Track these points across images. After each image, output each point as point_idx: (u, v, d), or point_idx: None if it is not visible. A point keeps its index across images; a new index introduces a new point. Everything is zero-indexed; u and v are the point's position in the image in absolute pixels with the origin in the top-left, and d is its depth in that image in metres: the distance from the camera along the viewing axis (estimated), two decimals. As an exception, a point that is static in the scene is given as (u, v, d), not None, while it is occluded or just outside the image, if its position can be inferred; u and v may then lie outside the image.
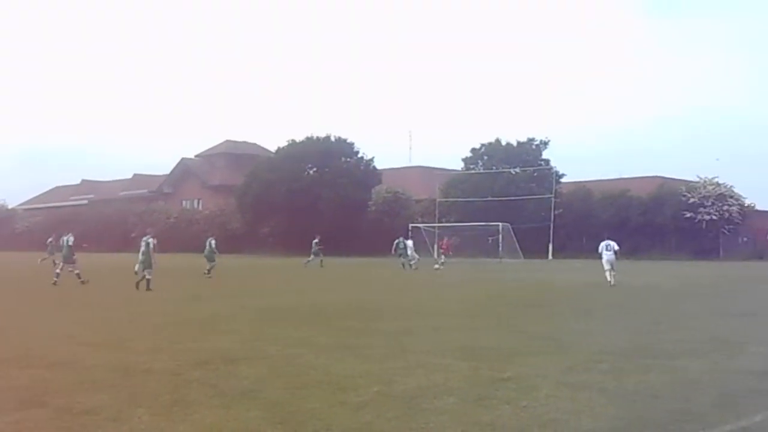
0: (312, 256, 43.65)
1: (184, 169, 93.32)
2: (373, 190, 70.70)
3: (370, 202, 70.09)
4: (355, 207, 67.89)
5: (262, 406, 7.46)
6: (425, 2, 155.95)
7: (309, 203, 66.13)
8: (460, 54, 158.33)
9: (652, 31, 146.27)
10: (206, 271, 31.68)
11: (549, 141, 68.78)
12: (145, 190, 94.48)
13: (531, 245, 58.17)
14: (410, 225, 60.67)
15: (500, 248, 54.53)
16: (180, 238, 75.32)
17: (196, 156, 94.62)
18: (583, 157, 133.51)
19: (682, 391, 8.25)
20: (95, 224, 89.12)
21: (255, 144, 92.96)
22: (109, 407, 7.42)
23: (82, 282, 25.77)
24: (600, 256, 28.11)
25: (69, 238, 27.96)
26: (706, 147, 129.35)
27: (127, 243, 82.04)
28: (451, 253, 46.46)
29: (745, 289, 26.71)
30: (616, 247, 27.95)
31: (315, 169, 71.75)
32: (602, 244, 28.31)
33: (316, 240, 44.71)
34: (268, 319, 15.71)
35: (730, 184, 62.74)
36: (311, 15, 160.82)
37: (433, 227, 61.68)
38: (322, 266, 41.37)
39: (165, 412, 7.23)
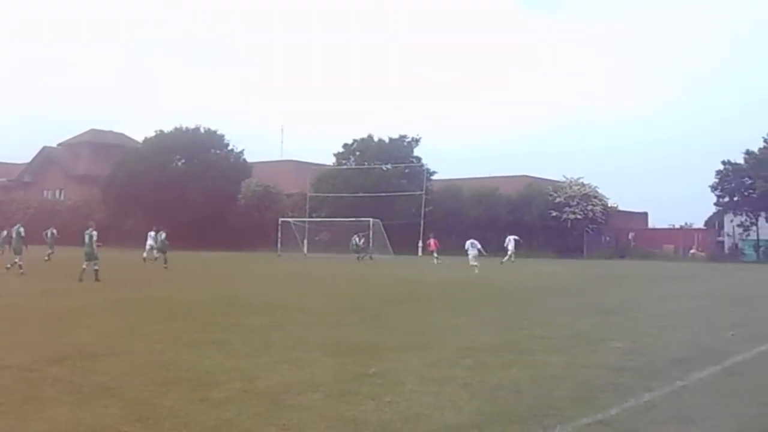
0: (363, 252, 49.81)
1: (46, 157, 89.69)
2: (242, 183, 69.76)
3: (239, 196, 69.13)
4: (223, 200, 66.89)
5: (119, 404, 7.23)
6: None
7: (177, 195, 64.88)
8: (334, 49, 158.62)
9: (524, 31, 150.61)
10: (164, 263, 33.32)
11: (420, 138, 69.61)
12: (4, 179, 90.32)
13: (401, 241, 58.66)
14: (280, 219, 60.34)
15: (370, 244, 54.85)
16: (40, 229, 72.26)
17: (59, 144, 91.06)
18: (453, 155, 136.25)
19: (543, 385, 8.45)
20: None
21: (122, 134, 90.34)
22: (-43, 406, 7.03)
23: (22, 273, 26.08)
24: (466, 252, 37.38)
25: (20, 229, 28.36)
26: (572, 148, 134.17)
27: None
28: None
29: (607, 286, 27.67)
30: (479, 246, 37.72)
31: (183, 160, 70.57)
32: (468, 243, 37.84)
33: (363, 239, 51.49)
34: (133, 313, 15.31)
35: (595, 184, 64.93)
36: (181, 5, 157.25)
37: (304, 222, 61.52)
38: (371, 259, 48.35)
39: (16, 410, 6.93)
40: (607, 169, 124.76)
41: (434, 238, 49.76)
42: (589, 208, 62.44)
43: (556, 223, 61.99)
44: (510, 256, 44.18)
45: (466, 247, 37.87)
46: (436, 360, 9.97)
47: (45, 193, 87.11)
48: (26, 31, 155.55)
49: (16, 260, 26.92)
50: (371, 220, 55.73)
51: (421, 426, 6.68)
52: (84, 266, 24.18)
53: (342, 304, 18.26)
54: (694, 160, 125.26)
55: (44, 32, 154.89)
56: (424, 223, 61.58)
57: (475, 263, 35.54)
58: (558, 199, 62.56)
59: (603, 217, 63.67)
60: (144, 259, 37.29)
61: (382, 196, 62.50)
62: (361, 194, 63.23)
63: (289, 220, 61.15)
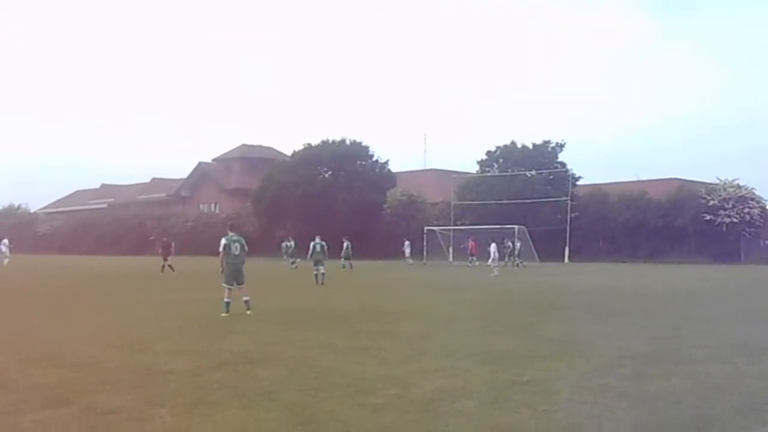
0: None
1: (202, 173, 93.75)
2: (387, 193, 70.71)
3: (385, 205, 70.11)
4: (370, 210, 67.93)
5: (281, 408, 7.50)
6: (440, 7, 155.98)
7: (324, 206, 66.25)
8: (475, 57, 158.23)
9: (668, 31, 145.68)
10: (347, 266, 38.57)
11: (565, 143, 68.24)
12: (163, 194, 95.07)
13: (547, 248, 57.90)
14: (425, 228, 60.73)
15: (516, 251, 54.42)
16: (197, 241, 75.79)
17: (213, 160, 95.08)
18: (599, 159, 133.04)
19: (705, 396, 8.13)
20: (114, 228, 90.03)
21: (271, 148, 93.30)
22: (132, 407, 7.50)
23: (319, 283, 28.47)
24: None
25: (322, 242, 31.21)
26: (725, 149, 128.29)
27: (144, 246, 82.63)
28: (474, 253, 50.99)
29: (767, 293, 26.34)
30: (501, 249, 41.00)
31: (330, 172, 71.92)
32: (493, 245, 39.06)
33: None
34: (285, 321, 15.74)
35: (752, 186, 61.45)
36: (326, 19, 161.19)
37: (448, 230, 61.59)
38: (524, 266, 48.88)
39: (187, 413, 7.29)
40: (765, 169, 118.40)
41: (474, 241, 52.00)
42: (746, 210, 59.20)
43: (710, 227, 59.19)
44: (494, 261, 39.23)
45: (492, 250, 39.19)
46: (590, 369, 9.77)
47: (201, 206, 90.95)
48: (181, 55, 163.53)
49: (321, 270, 29.11)
50: (516, 227, 55.22)
51: (579, 435, 6.59)
52: (315, 272, 28.77)
53: (489, 312, 18.20)
54: None
55: (198, 55, 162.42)
56: (570, 229, 60.50)
57: (496, 265, 37.75)
58: (712, 202, 59.70)
59: (761, 220, 60.27)
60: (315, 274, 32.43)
61: (527, 203, 61.76)
62: (505, 201, 62.61)
63: (435, 228, 61.48)
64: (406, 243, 54.95)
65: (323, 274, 28.86)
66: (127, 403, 7.68)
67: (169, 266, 36.73)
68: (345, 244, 41.80)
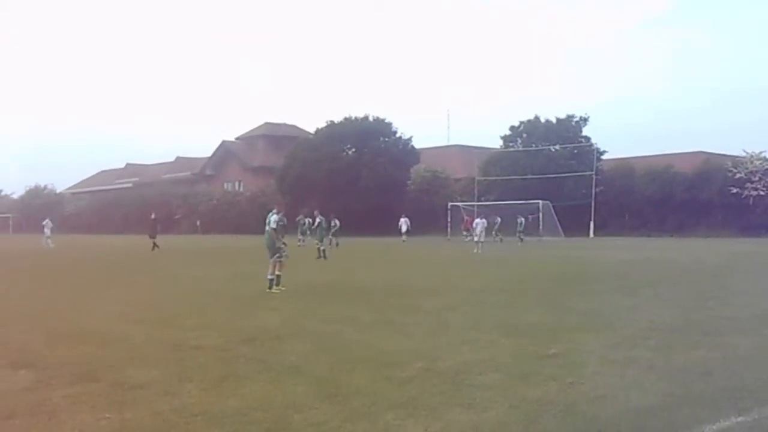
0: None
1: (225, 151, 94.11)
2: (411, 170, 70.68)
3: (408, 182, 70.09)
4: (394, 186, 67.91)
5: (308, 381, 7.51)
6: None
7: (348, 183, 66.28)
8: (498, 32, 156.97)
9: (692, 3, 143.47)
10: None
11: (589, 117, 67.66)
12: (188, 173, 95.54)
13: (572, 223, 57.65)
14: (449, 203, 60.63)
15: (540, 226, 54.21)
16: (222, 219, 76.15)
17: (236, 138, 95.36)
18: (624, 133, 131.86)
19: (734, 367, 8.07)
20: (139, 207, 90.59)
21: (294, 126, 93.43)
22: (160, 382, 7.53)
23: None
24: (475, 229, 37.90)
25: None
26: (752, 121, 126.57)
27: (170, 225, 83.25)
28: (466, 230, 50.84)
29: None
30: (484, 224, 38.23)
31: (354, 149, 71.88)
32: (476, 221, 38.67)
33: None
34: (311, 297, 15.80)
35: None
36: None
37: (473, 206, 61.45)
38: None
39: (215, 387, 7.32)
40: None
41: (468, 216, 52.47)
42: (774, 183, 58.47)
43: (737, 200, 58.44)
44: (480, 236, 37.18)
45: (475, 224, 38.54)
46: (618, 341, 9.73)
47: (225, 185, 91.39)
48: (203, 35, 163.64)
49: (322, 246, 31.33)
50: (540, 202, 54.94)
51: (607, 407, 6.52)
52: (319, 246, 30.99)
53: (514, 286, 18.14)
54: None
55: (220, 34, 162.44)
56: (595, 203, 60.14)
57: (481, 241, 36.23)
58: (738, 175, 58.87)
59: (790, 193, 59.40)
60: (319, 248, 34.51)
61: (551, 178, 61.38)
62: (529, 176, 62.31)
63: (459, 204, 61.37)
64: (402, 219, 51.78)
65: (323, 249, 30.92)
66: (155, 377, 7.73)
67: (155, 245, 37.23)
68: (333, 222, 41.38)
